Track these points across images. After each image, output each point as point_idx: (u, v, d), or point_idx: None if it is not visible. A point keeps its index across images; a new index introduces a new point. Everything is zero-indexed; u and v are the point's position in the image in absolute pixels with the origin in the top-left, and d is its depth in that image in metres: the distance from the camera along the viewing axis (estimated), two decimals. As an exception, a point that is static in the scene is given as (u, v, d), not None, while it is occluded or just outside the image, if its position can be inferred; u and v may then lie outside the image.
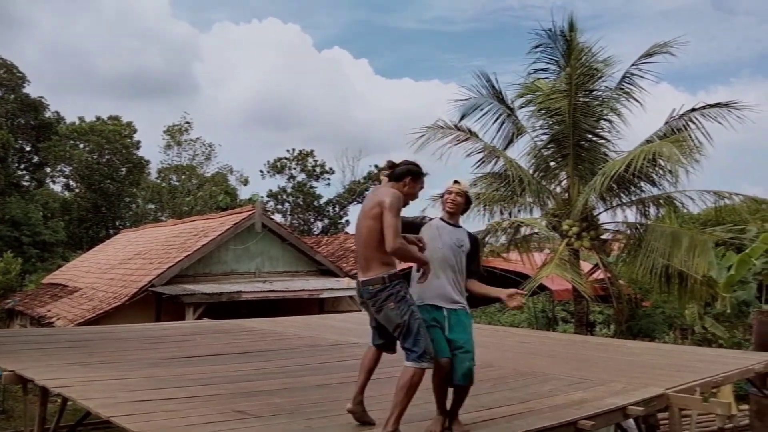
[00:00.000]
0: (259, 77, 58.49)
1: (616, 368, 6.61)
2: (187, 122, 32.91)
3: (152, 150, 43.20)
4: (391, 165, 3.83)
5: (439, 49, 73.26)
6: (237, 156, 68.28)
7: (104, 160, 30.70)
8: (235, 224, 14.39)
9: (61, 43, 52.02)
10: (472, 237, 4.30)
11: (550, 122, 12.20)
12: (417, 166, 3.84)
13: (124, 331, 8.91)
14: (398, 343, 3.72)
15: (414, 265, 3.87)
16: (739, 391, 10.89)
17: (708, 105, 11.01)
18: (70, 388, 4.76)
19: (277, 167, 33.97)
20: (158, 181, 33.07)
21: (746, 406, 10.23)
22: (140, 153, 31.84)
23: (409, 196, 3.78)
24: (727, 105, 10.75)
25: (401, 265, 3.91)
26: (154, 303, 13.07)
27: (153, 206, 32.99)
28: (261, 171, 34.60)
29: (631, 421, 5.14)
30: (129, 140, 31.23)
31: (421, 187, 3.83)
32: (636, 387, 5.35)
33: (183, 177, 32.46)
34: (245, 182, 34.28)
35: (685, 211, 12.37)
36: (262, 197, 31.80)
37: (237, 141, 58.64)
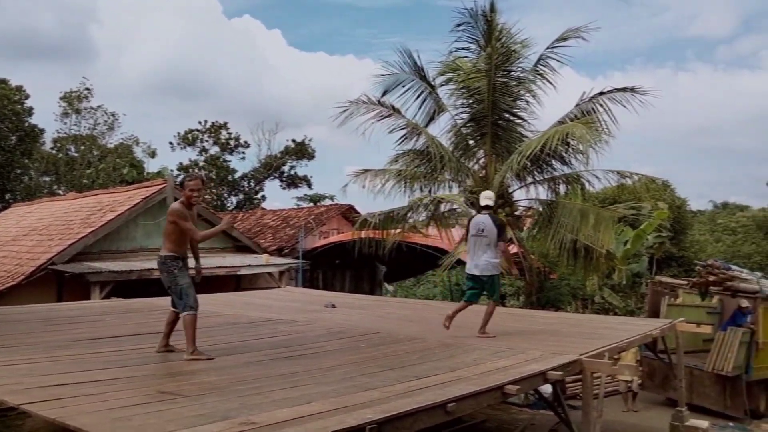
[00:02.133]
0: (164, 44, 55.33)
1: (532, 337, 6.99)
2: (87, 89, 30.44)
3: (47, 117, 39.82)
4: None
5: (355, 24, 72.70)
6: (143, 127, 64.20)
7: (-10, 127, 27.82)
8: (145, 198, 13.59)
9: (-67, -6, 46.19)
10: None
11: (470, 101, 12.47)
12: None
13: (24, 312, 8.23)
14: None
15: None
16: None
17: (615, 89, 11.69)
18: (-33, 375, 4.32)
19: (188, 139, 32.41)
20: (54, 151, 30.50)
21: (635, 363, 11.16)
22: (33, 120, 29.14)
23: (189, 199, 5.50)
24: (631, 90, 11.47)
25: None
26: (54, 282, 12.14)
27: (48, 179, 30.42)
28: (170, 143, 32.91)
29: (548, 385, 5.46)
30: (19, 106, 28.41)
31: (191, 189, 5.48)
32: (552, 354, 5.68)
33: (82, 148, 30.13)
34: (152, 154, 32.39)
35: (591, 189, 13.15)
36: (172, 170, 30.28)
37: (142, 111, 55.25)
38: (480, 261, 6.76)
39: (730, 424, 10.45)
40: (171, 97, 55.57)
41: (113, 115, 31.48)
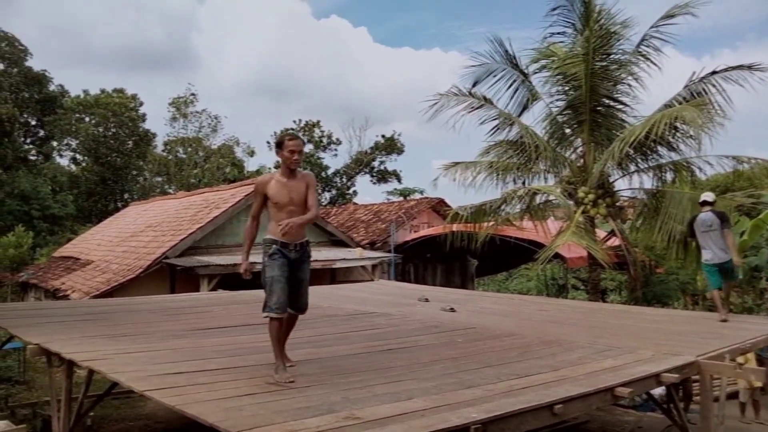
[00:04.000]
0: (258, 48, 57.82)
1: (641, 336, 6.57)
2: (192, 94, 32.52)
3: (157, 122, 42.92)
4: None
5: (439, 17, 71.85)
6: (242, 127, 67.67)
7: (110, 133, 30.48)
8: (246, 195, 14.27)
9: (58, 16, 51.29)
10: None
11: (566, 88, 11.93)
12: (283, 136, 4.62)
13: (142, 303, 8.92)
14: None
15: None
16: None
17: (730, 67, 10.69)
18: (98, 361, 4.73)
19: (283, 138, 33.68)
20: (165, 153, 32.87)
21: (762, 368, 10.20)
22: (146, 126, 31.63)
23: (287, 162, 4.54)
24: (749, 67, 10.44)
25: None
26: (168, 275, 13.08)
27: (160, 179, 32.87)
28: (268, 142, 34.38)
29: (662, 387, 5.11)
30: (134, 113, 30.95)
31: (290, 151, 4.51)
32: (665, 354, 5.30)
33: (189, 149, 32.24)
34: (252, 154, 34.05)
35: (703, 177, 12.15)
36: (269, 168, 31.63)
37: (241, 112, 58.12)
38: (717, 251, 7.73)
39: None
40: (266, 98, 58.07)
41: (216, 117, 33.43)
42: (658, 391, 6.51)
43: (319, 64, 55.15)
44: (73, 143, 31.43)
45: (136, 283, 12.27)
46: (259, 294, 10.69)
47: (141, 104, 31.51)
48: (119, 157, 30.27)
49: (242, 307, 8.47)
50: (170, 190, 30.14)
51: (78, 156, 32.32)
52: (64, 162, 32.51)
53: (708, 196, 8.08)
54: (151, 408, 8.72)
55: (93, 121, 30.30)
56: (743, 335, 6.43)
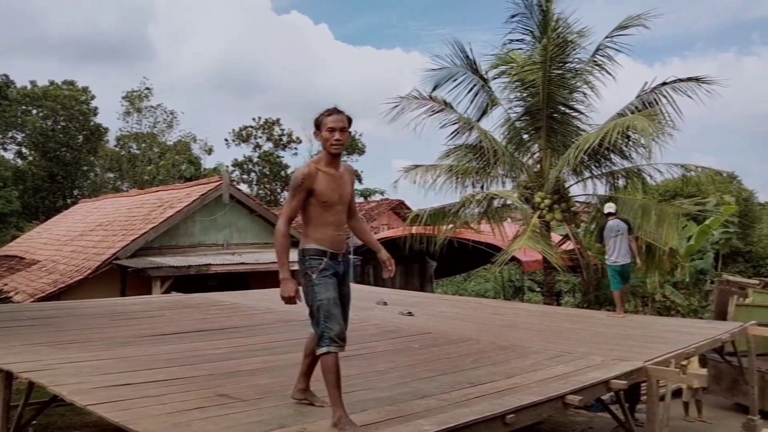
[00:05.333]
0: (217, 41, 56.72)
1: (592, 340, 6.73)
2: (147, 88, 31.62)
3: (110, 117, 41.63)
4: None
5: (402, 16, 72.12)
6: (199, 124, 66.32)
7: (59, 126, 29.30)
8: (202, 195, 13.96)
9: (3, 1, 48.99)
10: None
11: (524, 94, 12.14)
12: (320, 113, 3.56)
13: (90, 307, 8.59)
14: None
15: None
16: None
17: (679, 79, 11.10)
18: (39, 372, 4.52)
19: (242, 136, 33.15)
20: (117, 149, 31.85)
21: (704, 370, 10.64)
22: (98, 120, 30.54)
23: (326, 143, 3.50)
24: (697, 79, 10.86)
25: None
26: (118, 276, 12.66)
27: (112, 175, 31.83)
28: (226, 140, 33.77)
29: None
30: (85, 106, 29.83)
31: (330, 129, 3.47)
32: (614, 360, 5.44)
33: (143, 145, 31.33)
34: (209, 151, 33.36)
35: (652, 183, 12.58)
36: (227, 167, 31.07)
37: (198, 108, 56.93)
38: (622, 254, 8.89)
39: (806, 433, 9.81)
40: (225, 94, 57.04)
41: (172, 113, 32.61)
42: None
43: (280, 60, 54.66)
44: (19, 137, 30.07)
45: (84, 284, 11.82)
46: (214, 297, 10.43)
47: (93, 97, 30.40)
48: (68, 152, 29.14)
49: (195, 311, 8.28)
50: (123, 188, 29.23)
51: (24, 150, 30.94)
52: (8, 156, 31.08)
53: (611, 207, 9.36)
54: (99, 415, 8.42)
55: (41, 114, 29.08)
56: (688, 339, 6.68)
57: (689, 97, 10.98)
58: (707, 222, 16.89)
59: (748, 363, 8.21)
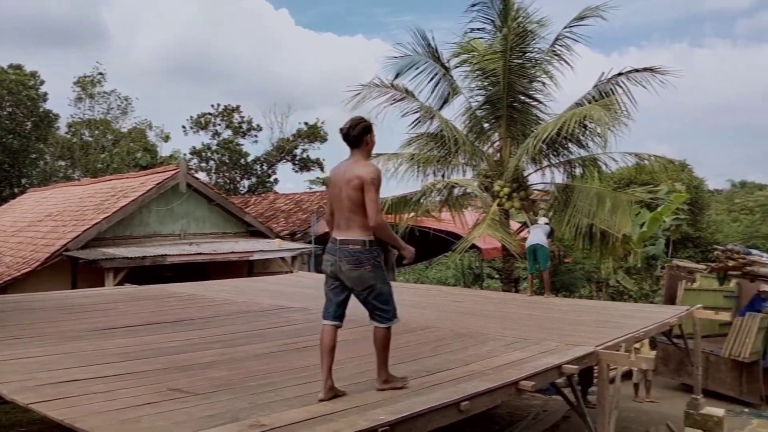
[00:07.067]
0: (174, 26, 55.14)
1: (547, 326, 6.88)
2: (100, 73, 30.38)
3: (61, 103, 39.89)
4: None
5: (365, 2, 71.56)
6: (156, 110, 64.27)
7: (5, 113, 27.94)
8: (158, 184, 13.59)
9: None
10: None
11: (485, 83, 12.23)
12: (363, 120, 3.92)
13: (38, 300, 8.28)
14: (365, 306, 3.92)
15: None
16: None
17: (635, 69, 11.36)
18: (-19, 369, 4.33)
19: (200, 123, 32.32)
20: (69, 136, 30.64)
21: (653, 353, 11.04)
22: (47, 106, 29.26)
23: (370, 152, 3.95)
24: (652, 70, 11.13)
25: None
26: (69, 268, 12.23)
27: (63, 163, 30.60)
28: (183, 127, 32.82)
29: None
30: (34, 92, 28.50)
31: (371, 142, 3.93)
32: (568, 345, 5.58)
33: (96, 132, 30.21)
34: (166, 138, 32.39)
35: (608, 171, 12.91)
36: (184, 155, 30.25)
37: (154, 94, 55.28)
38: (533, 237, 9.80)
39: (746, 410, 10.31)
40: (182, 80, 55.55)
41: (126, 99, 31.50)
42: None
43: (240, 46, 53.49)
44: (-38, 123, 28.60)
45: (32, 277, 11.37)
46: (170, 289, 10.21)
47: (42, 82, 29.07)
48: (16, 140, 27.85)
49: (150, 303, 8.08)
50: (75, 176, 28.18)
51: (-32, 137, 29.47)
52: (-50, 143, 29.51)
53: (543, 220, 10.62)
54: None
55: (-15, 99, 27.67)
56: (638, 324, 6.90)
57: (644, 87, 11.27)
58: (659, 209, 17.48)
59: (694, 345, 8.55)
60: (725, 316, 10.65)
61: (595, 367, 7.40)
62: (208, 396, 3.68)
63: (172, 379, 4.06)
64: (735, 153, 76.43)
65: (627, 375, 10.60)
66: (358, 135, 3.81)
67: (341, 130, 3.85)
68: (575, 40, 11.83)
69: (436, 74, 12.50)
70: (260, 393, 3.77)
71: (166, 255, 12.57)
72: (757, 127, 77.32)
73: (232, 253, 13.67)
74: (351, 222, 3.73)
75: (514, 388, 4.30)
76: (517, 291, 15.72)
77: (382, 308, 3.81)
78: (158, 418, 3.21)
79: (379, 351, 3.88)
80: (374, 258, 3.76)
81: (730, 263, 11.35)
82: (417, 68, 12.44)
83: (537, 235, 9.84)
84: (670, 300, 12.28)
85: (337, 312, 3.87)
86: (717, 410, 8.47)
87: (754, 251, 12.45)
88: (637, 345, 9.56)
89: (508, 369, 4.63)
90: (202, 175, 29.53)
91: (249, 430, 3.01)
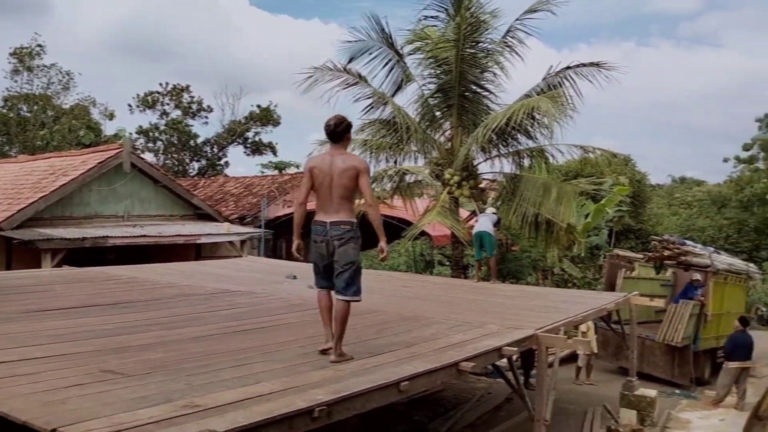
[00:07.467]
0: (123, 0, 52.72)
1: (490, 311, 7.04)
2: (39, 45, 28.78)
3: (-4, 75, 37.60)
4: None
5: (324, -14, 70.44)
6: (101, 88, 61.44)
7: (-66, 83, 26.26)
8: (100, 163, 13.05)
9: None
10: None
11: (438, 71, 12.27)
12: (346, 119, 4.45)
13: (-34, 282, 7.84)
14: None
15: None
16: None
17: (582, 64, 11.64)
18: None
19: (147, 102, 31.19)
20: (5, 111, 29.03)
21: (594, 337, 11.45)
22: (-20, 77, 27.63)
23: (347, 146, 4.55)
24: (598, 65, 11.44)
25: None
26: (3, 249, 11.66)
27: (-1, 139, 29.03)
28: (129, 105, 31.60)
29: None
30: (-35, 61, 26.87)
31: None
32: (509, 328, 5.71)
33: (35, 108, 28.73)
34: (110, 117, 31.08)
35: (555, 162, 13.23)
36: (130, 134, 29.13)
37: (100, 72, 52.75)
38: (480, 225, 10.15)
39: (677, 391, 10.89)
40: (130, 58, 53.41)
41: (68, 74, 30.01)
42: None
43: (191, 24, 51.84)
44: None
45: (-39, 258, 10.79)
46: (110, 271, 9.87)
47: (-25, 53, 27.43)
48: (-54, 113, 26.22)
49: (88, 285, 7.78)
50: (11, 153, 26.76)
51: None
52: None
53: (491, 209, 11.00)
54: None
55: None
56: (577, 309, 7.14)
57: (590, 81, 11.58)
58: (603, 201, 18.09)
59: (630, 330, 8.93)
60: (659, 303, 11.15)
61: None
62: (141, 378, 3.57)
63: (104, 361, 3.92)
64: (676, 150, 79.98)
65: (573, 358, 11.00)
66: (342, 131, 4.36)
67: (327, 126, 4.33)
68: (527, 33, 12.03)
69: (389, 60, 12.45)
70: (196, 374, 3.69)
71: (107, 237, 12.14)
72: (696, 127, 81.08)
73: (178, 236, 13.33)
74: (341, 206, 4.28)
75: (455, 369, 4.37)
76: (465, 277, 15.99)
77: (354, 283, 4.32)
78: (86, 399, 3.09)
79: (340, 324, 4.23)
80: (359, 237, 4.36)
81: (666, 253, 11.88)
82: (371, 53, 12.37)
83: (484, 223, 10.05)
84: (611, 288, 12.76)
85: (327, 282, 4.44)
86: (650, 391, 8.90)
87: (688, 242, 13.08)
88: (583, 329, 9.93)
89: (449, 351, 4.70)
90: (149, 156, 28.58)
91: (181, 410, 2.94)
